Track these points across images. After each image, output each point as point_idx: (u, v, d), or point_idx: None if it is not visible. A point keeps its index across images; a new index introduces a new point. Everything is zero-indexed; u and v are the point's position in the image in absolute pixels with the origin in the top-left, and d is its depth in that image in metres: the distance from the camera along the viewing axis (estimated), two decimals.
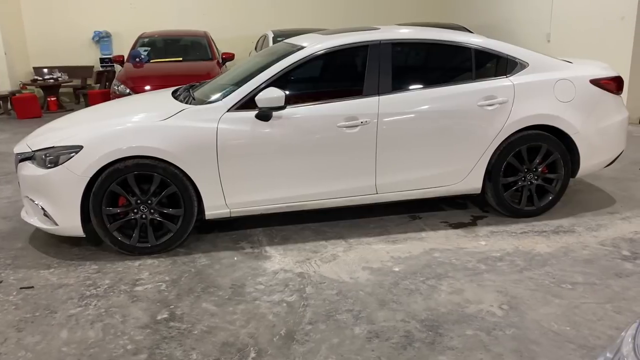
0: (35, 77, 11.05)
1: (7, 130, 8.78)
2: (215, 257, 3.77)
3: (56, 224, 3.71)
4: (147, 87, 7.39)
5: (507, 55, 4.24)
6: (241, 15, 12.64)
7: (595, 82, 4.30)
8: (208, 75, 7.14)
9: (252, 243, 3.99)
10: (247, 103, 3.80)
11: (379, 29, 4.35)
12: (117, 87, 7.83)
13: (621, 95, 4.50)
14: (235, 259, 3.74)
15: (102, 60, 12.23)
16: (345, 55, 4.26)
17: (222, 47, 10.45)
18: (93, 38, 12.25)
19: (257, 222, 4.28)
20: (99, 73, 11.69)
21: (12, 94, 10.43)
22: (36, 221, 3.82)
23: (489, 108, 4.09)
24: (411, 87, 4.08)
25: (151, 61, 8.93)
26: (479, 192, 4.28)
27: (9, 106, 10.38)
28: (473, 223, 4.30)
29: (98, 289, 3.34)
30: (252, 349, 2.70)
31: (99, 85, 11.56)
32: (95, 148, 3.59)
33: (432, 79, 4.22)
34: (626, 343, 1.45)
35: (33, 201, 3.75)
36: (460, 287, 3.27)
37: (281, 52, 4.18)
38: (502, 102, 4.09)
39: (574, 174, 4.38)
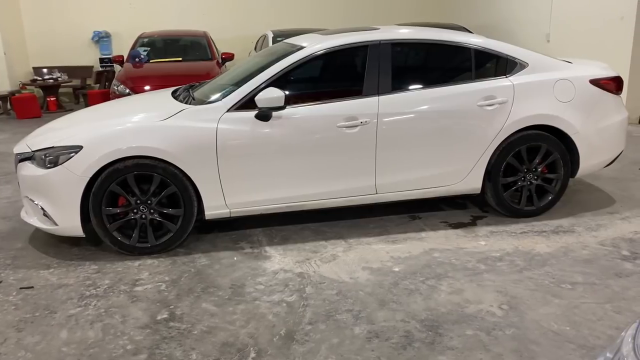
0: (35, 77, 11.04)
1: (6, 130, 8.77)
2: (215, 257, 3.77)
3: (56, 224, 3.71)
4: (147, 87, 7.39)
5: (507, 55, 4.24)
6: (241, 15, 12.64)
7: (595, 82, 4.30)
8: (208, 75, 7.14)
9: (251, 243, 3.99)
10: (247, 103, 3.80)
11: (379, 29, 4.35)
12: (117, 87, 7.83)
13: (621, 95, 4.50)
14: (235, 259, 3.74)
15: (101, 60, 12.23)
16: (345, 55, 4.26)
17: (221, 47, 10.45)
18: (92, 38, 12.24)
19: (257, 222, 4.28)
20: (99, 73, 11.69)
21: (12, 94, 10.42)
22: (36, 221, 3.82)
23: (489, 108, 4.09)
24: (411, 87, 4.08)
25: (151, 61, 8.93)
26: (478, 192, 4.28)
27: (9, 106, 10.38)
28: (473, 223, 4.30)
29: (98, 289, 3.34)
30: (252, 349, 2.70)
31: (98, 85, 11.56)
32: (95, 148, 3.59)
33: (432, 79, 4.22)
34: (626, 343, 1.45)
35: (33, 201, 3.75)
36: (460, 287, 3.27)
37: (281, 52, 4.18)
38: (501, 102, 4.10)
39: (573, 174, 4.38)
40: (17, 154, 3.90)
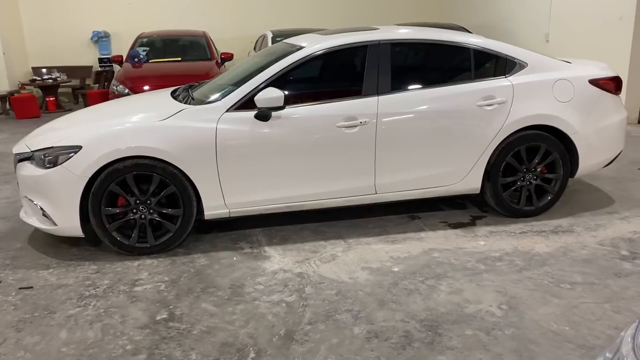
0: (34, 77, 11.04)
1: (5, 130, 8.77)
2: (214, 257, 3.77)
3: (55, 224, 3.71)
4: (146, 87, 7.39)
5: (506, 55, 4.24)
6: (240, 15, 12.64)
7: (594, 82, 4.30)
8: (207, 75, 7.14)
9: (251, 243, 3.99)
10: (246, 103, 3.80)
11: (378, 29, 4.35)
12: (116, 87, 7.82)
13: (620, 95, 4.51)
14: (235, 259, 3.74)
15: (100, 60, 12.22)
16: (345, 55, 4.26)
17: (221, 47, 10.45)
18: (92, 38, 12.23)
19: (256, 222, 4.28)
20: (98, 73, 11.68)
21: (11, 94, 10.41)
22: (35, 221, 3.82)
23: (488, 108, 4.09)
24: (410, 87, 4.08)
25: (150, 61, 8.93)
26: (478, 192, 4.28)
27: (8, 106, 10.37)
28: (472, 223, 4.30)
29: (97, 289, 3.34)
30: (251, 349, 2.70)
31: (97, 85, 11.55)
32: (94, 148, 3.59)
33: (431, 79, 4.22)
34: (625, 343, 1.45)
35: (32, 201, 3.75)
36: (459, 287, 3.27)
37: (280, 52, 4.18)
38: (501, 102, 4.10)
39: (572, 174, 4.38)
40: (16, 154, 3.89)
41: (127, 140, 3.62)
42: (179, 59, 9.16)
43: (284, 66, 3.91)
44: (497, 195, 4.25)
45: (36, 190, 3.71)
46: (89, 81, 11.83)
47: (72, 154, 3.59)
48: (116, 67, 10.92)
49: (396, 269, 3.52)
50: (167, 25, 11.44)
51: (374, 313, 2.99)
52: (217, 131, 3.72)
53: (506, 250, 3.78)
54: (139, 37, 9.72)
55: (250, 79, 3.90)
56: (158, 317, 3.01)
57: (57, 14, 11.99)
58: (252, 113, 3.77)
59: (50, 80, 10.70)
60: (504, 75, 4.21)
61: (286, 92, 3.77)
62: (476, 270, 3.49)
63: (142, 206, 3.74)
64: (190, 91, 4.43)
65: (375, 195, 4.09)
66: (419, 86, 4.10)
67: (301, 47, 4.06)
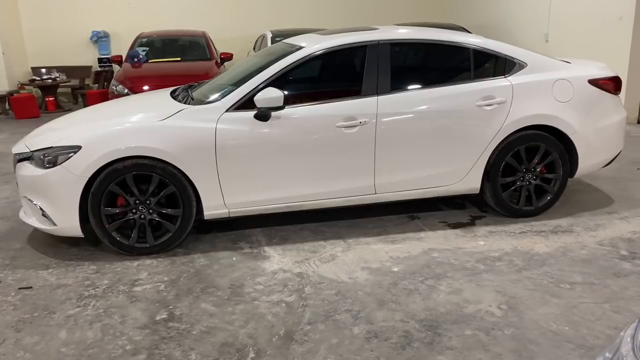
0: (33, 77, 11.03)
1: (5, 130, 8.76)
2: (214, 257, 3.77)
3: (55, 224, 3.70)
4: (146, 87, 7.38)
5: (506, 55, 4.24)
6: (240, 15, 12.63)
7: (594, 82, 4.31)
8: (206, 75, 7.14)
9: (250, 243, 3.99)
10: (246, 103, 3.80)
11: (378, 29, 4.35)
12: (116, 87, 7.82)
13: (619, 95, 4.51)
14: (234, 259, 3.74)
15: (100, 60, 12.21)
16: (344, 55, 4.26)
17: (220, 47, 10.45)
18: (91, 38, 12.23)
19: (256, 222, 4.28)
20: (97, 73, 11.67)
21: (10, 94, 10.41)
22: (34, 221, 3.82)
23: (488, 108, 4.09)
24: (410, 87, 4.08)
25: (149, 61, 8.93)
26: (477, 192, 4.28)
27: (7, 106, 10.36)
28: (472, 223, 4.30)
29: (97, 290, 3.34)
30: (251, 349, 2.70)
31: (97, 85, 11.54)
32: (93, 148, 3.59)
33: (431, 79, 4.23)
34: (625, 343, 1.45)
35: (31, 201, 3.75)
36: (459, 287, 3.27)
37: (280, 52, 4.18)
38: (500, 102, 4.10)
39: (572, 174, 4.38)
40: (15, 154, 3.89)
41: (127, 140, 3.61)
42: (179, 59, 9.16)
43: (283, 66, 3.91)
44: (497, 195, 4.25)
45: (35, 190, 3.71)
46: (88, 81, 11.82)
47: (72, 154, 3.59)
48: (116, 67, 10.92)
49: (396, 269, 3.52)
50: (167, 25, 11.44)
51: (374, 313, 2.99)
52: (216, 131, 3.72)
53: (506, 250, 3.78)
54: (138, 37, 9.72)
55: (249, 79, 3.90)
56: (158, 317, 3.00)
57: (57, 14, 11.98)
58: (252, 113, 3.77)
59: (50, 80, 10.70)
60: (504, 75, 4.21)
61: (286, 92, 3.77)
62: (476, 270, 3.49)
63: (141, 206, 3.74)
64: (189, 91, 4.43)
65: (375, 195, 4.09)
66: (419, 86, 4.11)
67: (301, 47, 4.06)
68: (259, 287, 3.32)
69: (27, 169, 3.74)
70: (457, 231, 4.14)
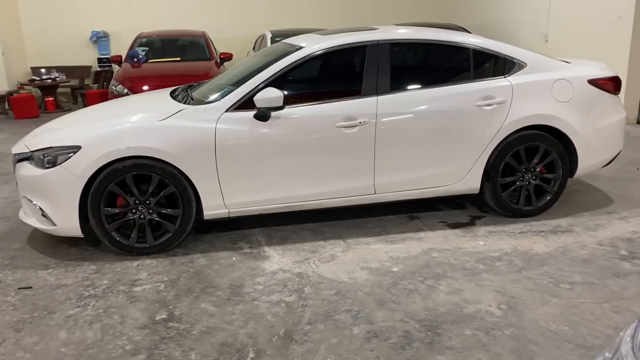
0: (33, 77, 11.02)
1: (4, 130, 8.76)
2: (213, 257, 3.77)
3: (54, 225, 3.70)
4: (145, 87, 7.38)
5: (505, 55, 4.25)
6: (239, 15, 12.63)
7: (593, 82, 4.31)
8: (206, 75, 7.14)
9: (250, 243, 3.99)
10: (246, 103, 3.80)
11: (377, 29, 4.35)
12: (115, 87, 7.82)
13: (619, 95, 4.51)
14: (234, 259, 3.74)
15: (99, 60, 12.21)
16: (344, 55, 4.26)
17: (220, 47, 10.45)
18: (91, 38, 12.22)
19: (256, 222, 4.28)
20: (97, 73, 11.67)
21: (10, 94, 10.40)
22: (34, 221, 3.82)
23: (487, 108, 4.09)
24: (409, 87, 4.08)
25: (149, 61, 8.93)
26: (477, 192, 4.28)
27: (7, 106, 10.36)
28: (471, 223, 4.31)
29: (96, 290, 3.34)
30: (250, 349, 2.70)
31: (96, 85, 11.54)
32: (93, 148, 3.59)
33: (431, 79, 4.23)
34: (625, 343, 1.45)
35: (31, 201, 3.75)
36: (458, 287, 3.27)
37: (279, 52, 4.18)
38: (500, 102, 4.10)
39: (572, 174, 4.39)
40: (15, 154, 3.89)
41: (127, 140, 3.61)
42: (178, 59, 9.15)
43: (283, 66, 3.91)
44: (497, 195, 4.25)
45: (35, 191, 3.71)
46: (88, 81, 11.81)
47: (72, 154, 3.59)
48: (115, 67, 10.91)
49: (395, 269, 3.52)
50: (166, 25, 11.44)
51: (374, 313, 2.99)
52: (216, 131, 3.72)
53: (505, 250, 3.78)
54: (138, 37, 9.72)
55: (249, 79, 3.90)
56: (157, 317, 3.00)
57: (56, 14, 11.98)
58: (252, 113, 3.77)
59: (49, 80, 10.69)
60: (503, 75, 4.21)
61: (285, 92, 3.77)
62: (475, 270, 3.49)
63: (141, 206, 3.74)
64: (189, 91, 4.43)
65: (375, 195, 4.09)
66: (418, 86, 4.11)
67: (300, 47, 4.06)
68: (258, 287, 3.32)
69: (27, 169, 3.74)
70: (457, 231, 4.14)
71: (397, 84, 4.04)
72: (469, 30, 9.10)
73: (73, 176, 3.57)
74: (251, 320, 2.96)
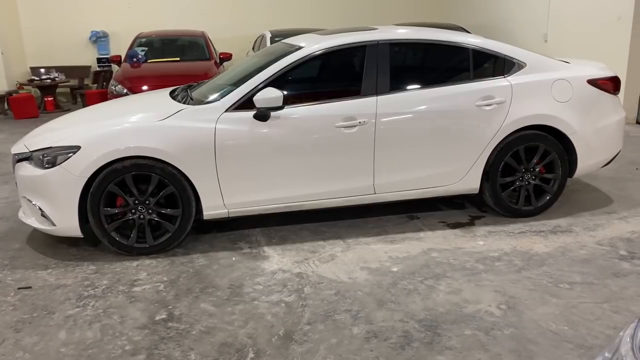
0: (32, 77, 11.01)
1: (4, 130, 8.75)
2: (213, 257, 3.77)
3: (54, 225, 3.70)
4: (145, 87, 7.38)
5: (505, 55, 4.25)
6: (239, 15, 12.63)
7: (593, 82, 4.31)
8: (205, 76, 7.14)
9: (250, 243, 3.99)
10: (245, 103, 3.80)
11: (377, 29, 4.35)
12: (115, 87, 7.82)
13: (618, 95, 4.51)
14: (234, 259, 3.74)
15: (99, 60, 12.20)
16: (343, 55, 4.26)
17: (219, 47, 10.45)
18: (90, 38, 12.22)
19: (255, 223, 4.28)
20: (96, 73, 11.66)
21: (9, 94, 10.39)
22: (34, 222, 3.81)
23: (487, 108, 4.09)
24: (409, 87, 4.09)
25: (148, 61, 8.92)
26: (476, 192, 4.28)
27: (6, 106, 10.35)
28: (471, 223, 4.31)
29: (96, 290, 3.34)
30: (250, 349, 2.70)
31: (96, 85, 11.53)
32: (93, 148, 3.59)
33: (430, 79, 4.23)
34: (624, 343, 1.45)
35: (30, 202, 3.74)
36: (458, 287, 3.27)
37: (279, 52, 4.18)
38: (499, 102, 4.10)
39: (571, 174, 4.39)
40: (14, 154, 3.89)
41: (126, 140, 3.61)
42: (178, 59, 9.15)
43: (282, 66, 3.91)
44: (496, 195, 4.25)
45: (35, 191, 3.70)
46: (87, 81, 11.80)
47: (71, 154, 3.59)
48: (115, 67, 10.90)
49: (395, 269, 3.52)
50: (166, 25, 11.43)
51: (373, 313, 2.99)
52: (216, 131, 3.72)
53: (505, 250, 3.79)
54: (137, 37, 9.71)
55: (249, 79, 3.90)
56: (157, 318, 3.00)
57: (56, 14, 11.97)
58: (251, 113, 3.77)
59: (49, 80, 10.68)
60: (503, 75, 4.21)
61: (285, 92, 3.77)
62: (475, 270, 3.49)
63: (141, 206, 3.74)
64: (189, 91, 4.42)
65: (374, 195, 4.09)
66: (418, 86, 4.11)
67: (300, 47, 4.06)
68: (258, 287, 3.32)
69: (26, 169, 3.73)
70: (457, 231, 4.14)
71: (396, 84, 4.04)
72: (468, 30, 9.10)
73: (72, 176, 3.57)
74: (251, 320, 2.96)
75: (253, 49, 10.73)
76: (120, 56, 9.49)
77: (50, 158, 3.63)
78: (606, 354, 1.51)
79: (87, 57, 12.22)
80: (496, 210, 4.35)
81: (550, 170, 4.31)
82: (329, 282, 3.37)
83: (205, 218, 3.88)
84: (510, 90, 4.13)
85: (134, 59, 8.79)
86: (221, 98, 3.86)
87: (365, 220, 4.36)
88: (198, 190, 3.76)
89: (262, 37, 9.85)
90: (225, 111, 3.79)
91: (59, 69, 11.21)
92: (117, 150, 3.58)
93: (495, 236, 4.03)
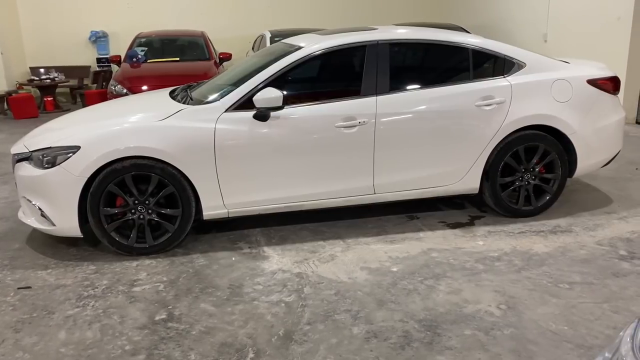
0: (32, 77, 11.00)
1: (3, 130, 8.75)
2: (213, 257, 3.77)
3: (53, 225, 3.70)
4: (144, 87, 7.38)
5: (505, 55, 4.25)
6: (239, 15, 12.63)
7: (592, 82, 4.31)
8: (205, 76, 7.14)
9: (250, 243, 3.99)
10: (245, 103, 3.80)
11: (377, 29, 4.35)
12: (114, 87, 7.81)
13: (618, 95, 4.51)
14: (234, 259, 3.74)
15: (99, 60, 12.20)
16: (343, 55, 4.26)
17: (219, 47, 10.44)
18: (90, 38, 12.21)
19: (255, 223, 4.28)
20: (96, 73, 11.65)
21: (9, 94, 10.39)
22: (33, 222, 3.81)
23: (487, 108, 4.09)
24: (409, 87, 4.09)
25: (148, 61, 8.92)
26: (476, 192, 4.28)
27: (6, 106, 10.35)
28: (471, 223, 4.31)
29: (96, 290, 3.34)
30: (250, 349, 2.70)
31: (95, 85, 11.53)
32: (92, 148, 3.59)
33: (430, 79, 4.23)
34: (624, 343, 1.45)
35: (30, 202, 3.74)
36: (458, 287, 3.27)
37: (279, 52, 4.18)
38: (499, 102, 4.10)
39: (571, 174, 4.39)
40: (14, 154, 3.89)
41: (126, 140, 3.61)
42: (177, 59, 9.15)
43: (282, 66, 3.91)
44: (496, 195, 4.25)
45: (34, 191, 3.70)
46: (87, 81, 11.80)
47: (71, 154, 3.59)
48: (114, 67, 10.90)
49: (395, 269, 3.52)
50: (166, 25, 11.43)
51: (373, 313, 2.99)
52: (215, 131, 3.72)
53: (505, 250, 3.79)
54: (137, 37, 9.71)
55: (248, 79, 3.90)
56: (157, 318, 3.00)
57: (55, 14, 11.97)
58: (251, 113, 3.77)
59: (48, 80, 10.68)
60: (503, 75, 4.21)
61: (285, 92, 3.77)
62: (475, 270, 3.49)
63: (140, 206, 3.73)
64: (188, 91, 4.42)
65: (374, 195, 4.09)
66: (418, 86, 4.11)
67: (300, 47, 4.06)
68: (258, 287, 3.32)
69: (26, 169, 3.73)
70: (456, 231, 4.14)
71: (396, 84, 4.04)
72: (468, 30, 9.10)
73: (72, 176, 3.57)
74: (251, 320, 2.96)
75: (253, 49, 10.73)
76: (119, 56, 9.48)
77: (50, 158, 3.62)
78: (606, 354, 1.51)
79: (87, 57, 12.22)
80: (496, 210, 4.36)
81: (550, 170, 4.31)
82: (329, 282, 3.37)
83: (205, 218, 3.88)
84: (510, 90, 4.13)
85: (134, 59, 8.79)
86: (221, 98, 3.86)
87: (365, 220, 4.36)
88: (198, 190, 3.76)
89: (262, 37, 9.85)
90: (225, 111, 3.79)
91: (58, 69, 11.21)
92: (116, 150, 3.58)
93: (495, 236, 4.03)
